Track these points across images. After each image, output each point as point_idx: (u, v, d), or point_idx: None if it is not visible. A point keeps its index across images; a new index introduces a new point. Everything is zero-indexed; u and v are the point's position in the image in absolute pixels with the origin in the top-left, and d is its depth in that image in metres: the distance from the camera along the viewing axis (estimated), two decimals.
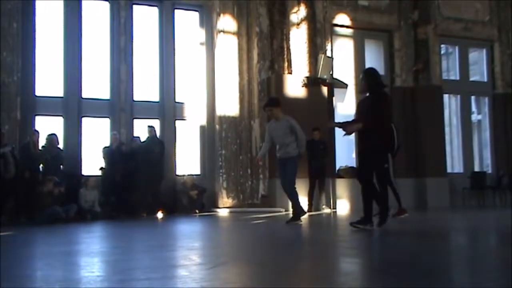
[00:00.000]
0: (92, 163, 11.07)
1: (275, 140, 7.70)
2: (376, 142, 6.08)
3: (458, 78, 14.09)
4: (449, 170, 13.30)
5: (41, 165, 9.91)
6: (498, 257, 4.11)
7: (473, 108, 14.62)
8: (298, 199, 7.69)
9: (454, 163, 13.93)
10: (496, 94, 13.92)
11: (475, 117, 14.69)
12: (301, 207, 7.74)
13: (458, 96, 13.99)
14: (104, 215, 9.93)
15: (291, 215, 7.78)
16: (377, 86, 6.23)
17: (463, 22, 13.72)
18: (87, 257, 4.43)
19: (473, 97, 14.40)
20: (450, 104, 14.22)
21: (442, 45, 13.92)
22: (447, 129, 13.74)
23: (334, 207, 11.50)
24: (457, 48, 14.13)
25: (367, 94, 6.34)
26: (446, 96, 13.81)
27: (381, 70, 13.12)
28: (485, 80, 14.26)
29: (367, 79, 6.29)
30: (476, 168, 13.90)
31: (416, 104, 12.90)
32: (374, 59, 13.20)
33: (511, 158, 13.74)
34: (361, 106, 6.41)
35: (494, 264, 3.69)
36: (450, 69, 14.64)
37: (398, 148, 8.71)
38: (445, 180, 12.82)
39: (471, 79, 14.39)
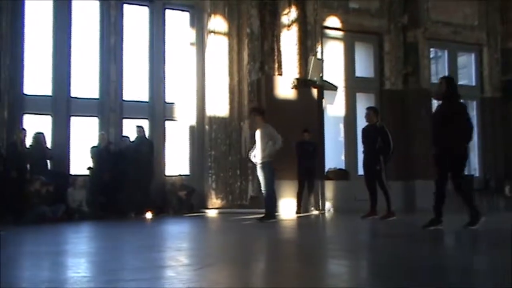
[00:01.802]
0: (81, 163, 10.99)
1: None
2: (457, 149, 6.38)
3: None
4: None
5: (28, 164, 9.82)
6: (486, 259, 4.15)
7: None
8: (275, 202, 8.24)
9: None
10: (485, 98, 14.02)
11: None
12: (274, 210, 8.19)
13: None
14: (92, 215, 9.86)
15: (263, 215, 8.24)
16: (454, 95, 6.53)
17: (452, 26, 13.83)
18: (74, 257, 4.40)
19: (461, 101, 14.47)
20: None
21: (431, 49, 14.01)
22: None
23: (323, 209, 11.53)
24: (446, 52, 14.22)
25: (442, 102, 6.60)
26: (435, 100, 13.89)
27: (370, 73, 13.25)
28: (474, 84, 14.37)
29: (448, 85, 6.57)
30: (464, 171, 13.97)
31: (405, 108, 12.96)
32: (364, 61, 13.27)
33: (498, 162, 13.86)
34: (437, 115, 6.69)
35: (481, 265, 3.72)
36: (439, 73, 14.73)
37: (393, 151, 8.76)
38: (433, 182, 12.86)
39: (460, 83, 14.48)
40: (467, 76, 14.72)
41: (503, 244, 5.24)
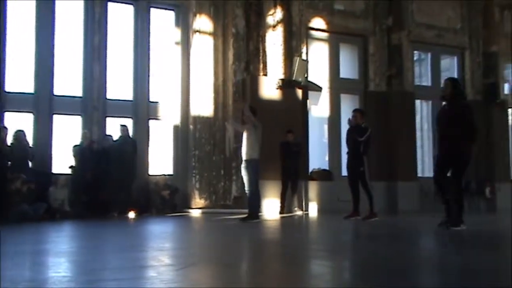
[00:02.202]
0: (63, 161, 10.88)
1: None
2: (462, 149, 6.45)
3: (430, 84, 14.33)
4: (419, 174, 13.51)
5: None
6: (467, 260, 4.20)
7: None
8: (259, 202, 8.32)
9: (425, 167, 14.16)
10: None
11: None
12: (258, 210, 8.30)
13: (430, 102, 14.23)
14: (74, 215, 9.78)
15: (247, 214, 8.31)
16: (459, 95, 6.73)
17: (435, 29, 13.98)
18: (54, 257, 4.35)
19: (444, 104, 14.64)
20: (422, 109, 14.45)
21: (415, 51, 14.15)
22: (418, 134, 13.97)
23: (306, 209, 11.57)
24: (429, 54, 14.37)
25: (447, 103, 6.76)
26: (418, 102, 14.03)
27: (355, 75, 13.33)
28: None
29: (453, 86, 6.71)
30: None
31: (389, 109, 13.07)
32: (348, 63, 13.34)
33: (479, 164, 14.03)
34: (442, 116, 6.78)
35: (460, 266, 3.77)
36: (422, 75, 14.89)
37: (367, 143, 8.82)
38: (415, 184, 13.02)
39: (443, 85, 14.62)
40: None
41: (483, 245, 5.32)
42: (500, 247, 5.23)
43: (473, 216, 7.23)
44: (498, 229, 6.60)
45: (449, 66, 14.92)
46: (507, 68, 15.62)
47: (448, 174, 6.80)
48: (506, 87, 15.65)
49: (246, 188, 8.42)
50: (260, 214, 8.41)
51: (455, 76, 14.57)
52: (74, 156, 10.61)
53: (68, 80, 11.48)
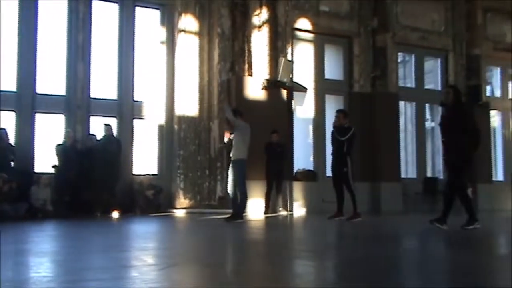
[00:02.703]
0: (46, 161, 10.77)
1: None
2: (465, 154, 6.70)
3: (414, 86, 14.45)
4: (403, 175, 13.62)
5: None
6: (447, 260, 4.24)
7: (427, 115, 15.03)
8: (244, 202, 8.39)
9: (408, 168, 14.28)
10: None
11: (429, 124, 15.10)
12: (243, 210, 8.39)
13: (414, 103, 14.35)
14: (57, 214, 9.68)
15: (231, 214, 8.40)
16: (460, 102, 7.01)
17: (419, 32, 14.10)
18: (35, 256, 4.30)
19: (427, 105, 14.81)
20: (406, 111, 14.56)
21: (399, 53, 14.26)
22: (402, 135, 14.07)
23: (291, 210, 11.59)
24: (413, 56, 14.49)
25: (449, 110, 6.97)
26: (402, 103, 14.14)
27: (340, 76, 13.40)
28: (439, 88, 14.67)
29: (455, 94, 6.95)
30: (429, 174, 14.29)
31: (373, 110, 13.15)
32: (333, 64, 13.40)
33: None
34: (445, 123, 7.02)
35: (443, 266, 3.80)
36: (406, 77, 15.01)
37: (350, 139, 8.90)
38: (398, 185, 13.12)
39: (426, 87, 14.79)
40: (433, 80, 15.02)
41: (467, 245, 5.38)
42: (485, 247, 5.30)
43: (456, 217, 7.31)
44: (482, 229, 6.70)
45: (433, 68, 15.06)
46: (490, 71, 15.84)
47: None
48: (489, 89, 15.86)
49: (229, 188, 8.44)
50: (244, 214, 8.41)
51: (439, 78, 14.76)
52: (57, 155, 10.50)
53: (52, 79, 11.37)
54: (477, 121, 7.22)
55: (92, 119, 11.44)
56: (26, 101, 10.85)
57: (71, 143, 10.57)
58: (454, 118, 6.86)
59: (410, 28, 13.95)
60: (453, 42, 14.49)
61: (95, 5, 11.68)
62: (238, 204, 8.36)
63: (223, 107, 8.82)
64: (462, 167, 6.82)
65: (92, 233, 7.04)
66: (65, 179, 10.24)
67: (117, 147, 10.83)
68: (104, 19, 11.89)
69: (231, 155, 8.46)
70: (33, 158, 10.83)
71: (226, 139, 9.78)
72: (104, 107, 11.60)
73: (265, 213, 10.66)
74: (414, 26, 14.01)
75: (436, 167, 14.60)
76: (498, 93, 15.82)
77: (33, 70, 11.01)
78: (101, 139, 10.79)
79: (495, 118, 15.46)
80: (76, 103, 11.23)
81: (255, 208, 10.99)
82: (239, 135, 8.35)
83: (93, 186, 10.34)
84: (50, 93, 11.24)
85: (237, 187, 8.32)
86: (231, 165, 8.45)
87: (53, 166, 10.49)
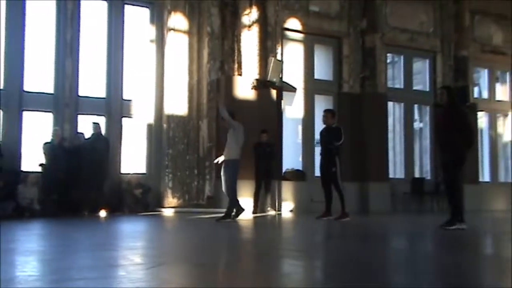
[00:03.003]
0: (33, 159, 10.68)
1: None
2: (459, 154, 6.82)
3: (402, 86, 14.53)
4: (391, 175, 13.70)
5: None
6: (434, 259, 4.28)
7: (416, 116, 15.13)
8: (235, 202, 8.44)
9: (396, 168, 14.36)
10: (436, 104, 14.41)
11: (417, 125, 15.19)
12: (232, 209, 8.44)
13: (402, 104, 14.43)
14: (44, 213, 9.61)
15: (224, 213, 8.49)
16: (454, 102, 7.08)
17: (408, 33, 14.18)
18: (21, 255, 4.27)
19: (415, 106, 14.91)
20: (394, 111, 14.64)
21: (388, 54, 14.33)
22: (390, 136, 14.15)
23: (279, 209, 11.61)
24: (402, 57, 14.58)
25: (444, 111, 7.11)
26: (390, 104, 14.22)
27: (329, 76, 13.44)
28: (428, 89, 14.78)
29: (449, 94, 7.06)
30: (416, 174, 14.38)
31: (362, 111, 13.21)
32: (323, 64, 13.44)
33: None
34: (440, 124, 7.22)
35: (431, 266, 3.83)
36: (395, 78, 15.09)
37: (341, 144, 8.93)
38: (387, 185, 13.20)
39: (415, 88, 14.88)
40: (421, 81, 15.12)
41: (452, 245, 5.42)
42: (475, 247, 5.34)
43: (443, 216, 7.38)
44: (471, 229, 6.78)
45: (421, 69, 15.16)
46: (477, 72, 15.98)
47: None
48: (476, 90, 16.01)
49: (223, 188, 8.48)
50: (233, 214, 8.42)
51: (427, 79, 14.85)
52: (45, 154, 10.43)
53: (40, 76, 11.27)
54: (471, 120, 7.36)
55: (80, 117, 11.37)
56: (13, 99, 10.76)
57: (59, 142, 10.50)
58: (449, 118, 6.96)
59: (399, 29, 14.03)
60: (441, 44, 14.60)
61: (84, 2, 11.60)
62: (230, 204, 8.42)
63: (219, 107, 8.80)
64: (459, 166, 6.90)
65: (79, 232, 6.99)
66: (53, 177, 10.17)
67: (105, 146, 10.77)
68: (93, 17, 11.82)
69: (223, 155, 8.50)
70: (20, 156, 10.74)
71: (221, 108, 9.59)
72: (92, 106, 11.53)
73: (253, 212, 10.66)
74: (403, 27, 14.09)
75: (424, 167, 14.71)
76: (485, 95, 15.98)
77: (20, 68, 10.91)
78: (89, 138, 10.72)
79: (482, 119, 15.61)
80: (64, 101, 11.15)
81: (244, 208, 10.98)
82: (232, 135, 8.41)
83: (81, 185, 10.28)
84: (38, 91, 11.15)
85: (228, 187, 8.37)
86: (223, 165, 8.49)
87: (41, 165, 10.41)
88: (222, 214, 8.46)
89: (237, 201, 8.50)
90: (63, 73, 11.20)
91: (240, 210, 8.51)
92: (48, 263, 3.83)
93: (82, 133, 10.90)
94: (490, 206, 14.21)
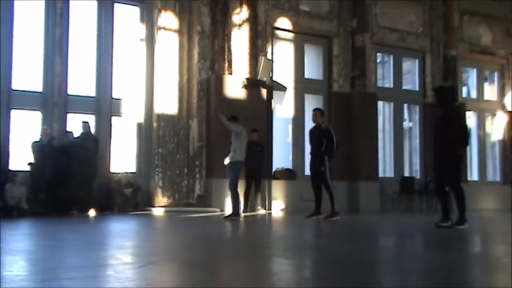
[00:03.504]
0: (21, 158, 10.60)
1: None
2: (454, 153, 6.87)
3: (392, 86, 14.61)
4: (380, 174, 13.77)
5: None
6: (423, 258, 4.31)
7: (405, 115, 15.22)
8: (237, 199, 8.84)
9: (386, 167, 14.44)
10: (427, 104, 14.49)
11: (406, 124, 15.29)
12: (237, 207, 8.79)
13: (392, 103, 14.51)
14: (32, 213, 9.54)
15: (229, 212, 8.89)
16: (448, 102, 7.21)
17: (398, 33, 14.26)
18: (8, 255, 4.23)
19: (405, 105, 14.99)
20: (384, 111, 14.72)
21: (378, 54, 14.40)
22: (380, 135, 14.22)
23: (270, 208, 11.63)
24: (391, 57, 14.65)
25: (438, 110, 7.31)
26: (380, 103, 14.28)
27: (319, 75, 13.47)
28: (417, 89, 14.87)
29: (441, 95, 7.19)
30: (406, 173, 14.46)
31: (352, 110, 13.26)
32: (313, 63, 13.47)
33: None
34: (435, 119, 7.36)
35: (420, 265, 3.86)
36: (385, 77, 15.17)
37: (337, 148, 8.94)
38: (376, 184, 13.26)
39: (404, 87, 14.96)
40: (411, 81, 15.21)
41: (439, 244, 5.46)
42: (460, 245, 5.38)
43: (432, 216, 7.44)
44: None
45: (411, 69, 15.25)
46: (466, 72, 16.10)
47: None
48: (465, 90, 16.13)
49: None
50: (239, 212, 8.98)
51: (416, 78, 14.94)
52: (33, 153, 10.36)
53: (28, 75, 11.19)
54: (464, 119, 7.46)
55: (69, 116, 11.31)
56: (2, 98, 10.67)
57: (48, 141, 10.43)
58: (444, 117, 7.04)
59: (388, 29, 14.10)
60: (430, 44, 14.69)
61: (73, 1, 11.51)
62: (233, 203, 8.84)
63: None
64: (456, 164, 6.98)
65: (67, 231, 6.95)
66: (41, 177, 10.10)
67: (95, 145, 10.72)
68: (83, 16, 11.75)
69: (228, 157, 8.89)
70: (8, 155, 10.66)
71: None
72: (81, 104, 11.47)
73: (244, 211, 10.64)
74: (393, 27, 14.16)
75: (413, 166, 14.79)
76: (474, 94, 16.10)
77: (9, 66, 10.82)
78: (78, 137, 10.66)
79: (471, 119, 15.72)
80: (53, 100, 11.09)
81: (239, 215, 10.98)
82: (235, 139, 8.83)
83: (70, 184, 10.22)
84: (27, 90, 11.07)
85: (230, 187, 8.85)
86: (228, 166, 8.89)
87: (29, 164, 10.34)
88: (230, 213, 8.87)
89: (237, 203, 8.89)
90: (52, 72, 11.13)
91: (234, 214, 8.72)
92: (35, 263, 3.80)
93: (71, 132, 10.83)
94: (479, 205, 14.31)
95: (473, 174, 15.54)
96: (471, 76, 16.27)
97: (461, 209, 6.90)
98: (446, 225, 6.85)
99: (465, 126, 7.29)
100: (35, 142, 10.42)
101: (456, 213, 7.01)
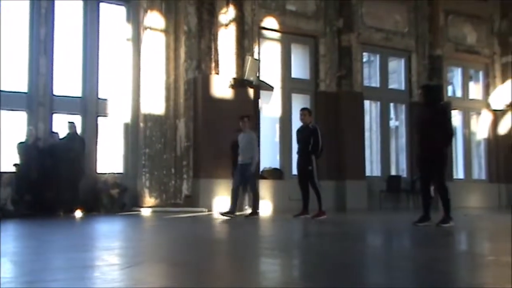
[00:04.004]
0: (6, 159, 10.49)
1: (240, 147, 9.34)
2: (439, 150, 6.95)
3: (378, 85, 14.69)
4: (367, 173, 13.84)
5: None
6: (411, 257, 4.34)
7: (392, 114, 15.32)
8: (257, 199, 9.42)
9: (373, 166, 14.52)
10: (413, 103, 14.59)
11: (393, 123, 15.39)
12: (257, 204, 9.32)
13: (378, 102, 14.59)
14: (18, 214, 9.44)
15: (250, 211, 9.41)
16: (433, 100, 7.24)
17: (384, 32, 14.34)
18: None
19: (391, 104, 15.08)
20: (371, 110, 14.80)
21: (364, 53, 14.47)
22: (367, 134, 14.30)
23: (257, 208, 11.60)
24: (378, 56, 14.73)
25: (424, 108, 7.33)
26: (367, 103, 14.36)
27: (306, 75, 13.51)
28: (403, 88, 14.97)
29: (426, 93, 7.24)
30: (393, 172, 14.55)
31: (339, 109, 13.32)
32: (300, 63, 13.51)
33: None
34: (422, 118, 7.37)
35: (406, 263, 3.89)
36: (371, 77, 15.26)
37: (322, 150, 8.98)
38: (363, 183, 13.33)
39: (390, 87, 15.06)
40: (397, 80, 15.31)
41: (425, 242, 5.51)
42: (446, 243, 5.44)
43: (419, 214, 7.50)
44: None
45: (397, 68, 15.35)
46: (451, 71, 16.25)
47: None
48: (450, 89, 16.27)
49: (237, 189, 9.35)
50: (258, 211, 9.29)
51: (402, 78, 15.04)
52: (19, 153, 10.26)
53: (13, 75, 11.07)
54: (451, 118, 7.55)
55: (55, 116, 11.22)
56: None
57: (33, 141, 10.34)
58: (430, 116, 7.09)
59: (374, 28, 14.18)
60: (416, 43, 14.80)
61: (59, 1, 11.42)
62: (252, 202, 9.35)
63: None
64: (444, 164, 7.04)
65: (53, 233, 6.90)
66: (27, 178, 10.01)
67: (81, 146, 10.64)
68: (68, 15, 11.66)
69: (239, 159, 9.24)
70: None
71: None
72: (67, 104, 11.39)
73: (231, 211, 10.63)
74: (379, 26, 14.25)
75: (400, 165, 14.89)
76: (459, 93, 16.25)
77: None
78: (64, 137, 10.58)
79: (456, 118, 15.87)
80: (39, 100, 10.99)
81: (221, 206, 10.98)
82: (250, 141, 9.28)
83: (56, 185, 10.14)
84: (12, 90, 10.96)
85: (249, 187, 9.43)
86: (239, 167, 9.21)
87: (15, 165, 10.24)
88: (250, 211, 9.35)
89: (258, 202, 9.32)
90: (37, 72, 11.04)
91: (231, 212, 9.04)
92: (21, 265, 3.77)
93: (56, 133, 10.75)
94: (464, 203, 14.46)
95: (459, 172, 15.68)
96: (456, 75, 16.41)
97: (446, 208, 6.97)
98: (423, 225, 6.89)
99: (451, 124, 7.36)
100: (21, 143, 10.32)
101: (441, 212, 7.07)
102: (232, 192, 9.29)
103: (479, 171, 16.27)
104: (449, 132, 7.16)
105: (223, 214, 9.06)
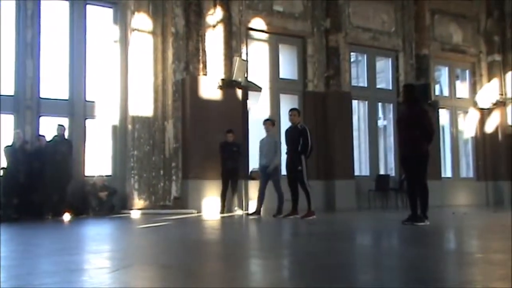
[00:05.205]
0: None
1: (262, 150, 9.71)
2: (421, 149, 7.03)
3: (366, 85, 14.76)
4: (356, 173, 13.89)
5: None
6: (399, 256, 4.37)
7: (380, 114, 15.39)
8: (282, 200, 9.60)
9: (361, 166, 14.57)
10: (400, 102, 14.67)
11: (381, 122, 15.47)
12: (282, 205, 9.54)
13: (366, 102, 14.66)
14: (5, 218, 9.35)
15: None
16: (415, 100, 7.32)
17: (371, 32, 14.42)
18: None
19: (379, 104, 15.16)
20: (359, 109, 14.87)
21: (351, 53, 14.53)
22: (355, 134, 14.35)
23: (246, 209, 11.63)
24: (365, 56, 14.80)
25: (405, 108, 7.47)
26: (355, 102, 14.42)
27: (294, 75, 13.54)
28: (390, 88, 15.05)
29: (408, 92, 7.33)
30: (381, 171, 14.62)
31: (327, 109, 13.37)
32: (288, 64, 13.53)
33: None
34: (403, 117, 7.47)
35: (396, 263, 3.91)
36: (359, 76, 15.32)
37: (311, 150, 9.01)
38: (352, 182, 13.38)
39: (378, 86, 15.13)
40: (384, 80, 15.39)
41: (416, 241, 5.55)
42: (434, 242, 5.48)
43: (405, 213, 7.55)
44: (432, 225, 6.96)
45: (384, 68, 15.43)
46: (438, 70, 16.37)
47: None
48: (437, 88, 16.39)
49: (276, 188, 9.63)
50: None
51: (390, 77, 15.13)
52: (6, 157, 10.17)
53: None
54: (430, 116, 7.61)
55: (42, 119, 11.13)
56: None
57: (20, 144, 10.25)
58: (410, 115, 7.16)
59: (361, 28, 14.24)
60: (402, 43, 14.90)
61: (44, 2, 11.33)
62: (278, 203, 9.51)
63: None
64: (424, 162, 7.09)
65: (41, 236, 6.85)
66: (14, 181, 9.92)
67: (68, 148, 10.57)
68: (54, 17, 11.58)
69: (263, 161, 9.63)
70: None
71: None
72: (54, 107, 11.30)
73: (221, 212, 10.65)
74: (366, 26, 14.32)
75: (388, 164, 14.97)
76: (446, 92, 16.37)
77: None
78: (51, 140, 10.50)
79: (444, 117, 15.99)
80: (25, 103, 10.90)
81: (211, 208, 10.98)
82: (271, 143, 9.60)
83: (43, 188, 10.06)
84: None
85: (277, 188, 9.59)
86: (263, 169, 9.64)
87: (2, 168, 10.15)
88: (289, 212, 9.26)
89: (283, 203, 9.49)
90: (24, 74, 10.94)
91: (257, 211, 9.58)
92: (7, 269, 3.73)
93: (44, 136, 10.67)
94: (452, 201, 14.58)
95: (447, 171, 15.79)
96: (443, 74, 16.55)
97: (423, 206, 7.03)
98: (411, 224, 6.95)
99: (431, 124, 7.39)
100: (8, 146, 10.23)
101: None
102: (258, 193, 9.74)
103: (467, 169, 16.40)
104: (430, 132, 7.22)
105: (249, 214, 9.52)
